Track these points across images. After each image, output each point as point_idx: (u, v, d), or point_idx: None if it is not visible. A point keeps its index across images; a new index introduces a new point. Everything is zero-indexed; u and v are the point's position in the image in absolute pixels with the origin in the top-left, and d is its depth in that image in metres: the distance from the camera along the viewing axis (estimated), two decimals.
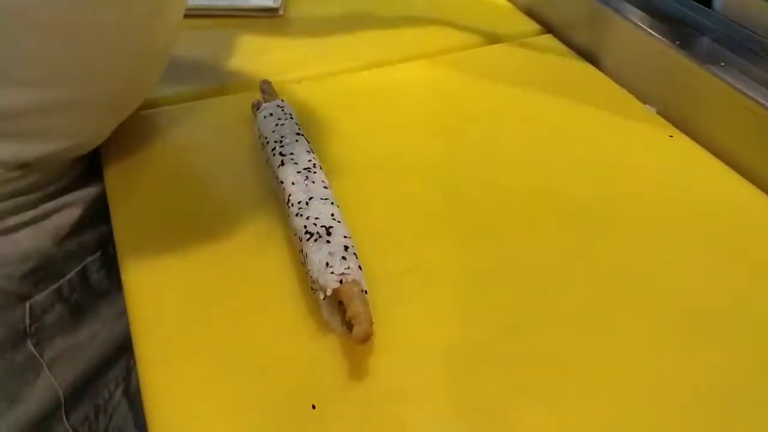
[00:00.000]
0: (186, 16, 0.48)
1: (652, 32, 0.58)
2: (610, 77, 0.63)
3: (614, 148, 0.54)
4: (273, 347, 0.38)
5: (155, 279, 0.42)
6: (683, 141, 0.55)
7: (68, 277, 0.50)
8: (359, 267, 0.38)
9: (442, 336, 0.39)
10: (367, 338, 0.35)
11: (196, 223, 0.46)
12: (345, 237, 0.40)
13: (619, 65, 0.63)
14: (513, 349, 0.38)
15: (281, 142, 0.47)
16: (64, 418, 0.51)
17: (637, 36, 0.60)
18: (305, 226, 0.41)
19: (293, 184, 0.44)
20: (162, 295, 0.41)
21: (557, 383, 0.36)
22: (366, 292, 0.38)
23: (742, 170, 0.51)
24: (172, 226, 0.46)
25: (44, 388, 0.49)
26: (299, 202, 0.43)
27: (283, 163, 0.46)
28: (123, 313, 0.53)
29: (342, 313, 0.37)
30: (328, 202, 0.43)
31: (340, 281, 0.37)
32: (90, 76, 0.40)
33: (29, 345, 0.48)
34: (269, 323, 0.39)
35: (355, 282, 0.37)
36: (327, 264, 0.38)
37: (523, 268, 0.43)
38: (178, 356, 0.38)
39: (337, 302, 0.38)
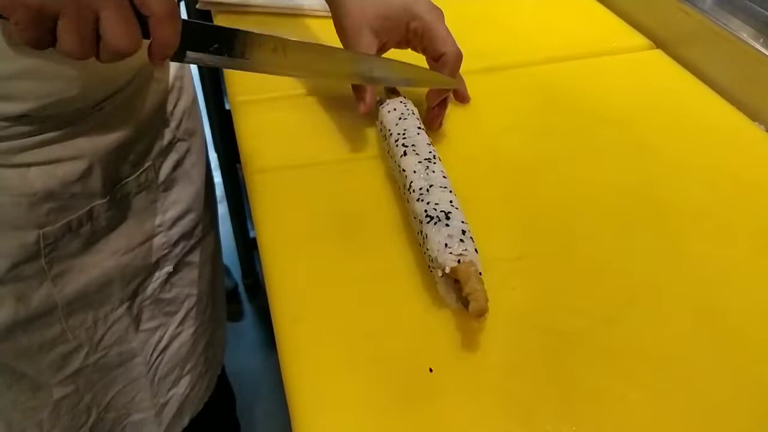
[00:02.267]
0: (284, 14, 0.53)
1: (765, 51, 0.59)
2: (719, 94, 0.63)
3: (719, 161, 0.55)
4: (392, 315, 0.42)
5: (294, 255, 0.47)
6: None
7: (77, 215, 0.56)
8: (475, 250, 0.42)
9: (546, 320, 0.42)
10: (482, 314, 0.38)
11: (326, 209, 0.51)
12: (462, 222, 0.43)
13: (728, 82, 0.63)
14: (613, 339, 0.41)
15: (404, 134, 0.52)
16: (63, 319, 0.58)
17: (748, 54, 0.61)
18: (425, 210, 0.44)
19: (414, 172, 0.48)
20: (297, 265, 0.46)
21: (656, 373, 0.39)
22: (480, 273, 0.41)
23: None
24: (306, 211, 0.51)
25: (45, 294, 0.56)
26: (420, 189, 0.46)
27: (405, 154, 0.50)
28: (128, 250, 0.61)
29: (457, 291, 0.41)
30: (447, 190, 0.46)
31: (458, 261, 0.40)
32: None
33: (42, 262, 0.55)
34: (389, 294, 0.43)
35: (471, 263, 0.41)
36: (446, 245, 0.41)
37: (624, 265, 0.46)
38: (313, 315, 0.42)
39: (453, 280, 0.41)
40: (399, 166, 0.50)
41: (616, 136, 0.58)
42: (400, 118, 0.54)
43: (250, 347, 1.49)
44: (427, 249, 0.43)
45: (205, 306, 0.74)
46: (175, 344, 0.70)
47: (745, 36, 0.62)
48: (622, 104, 0.62)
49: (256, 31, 0.48)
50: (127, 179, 0.59)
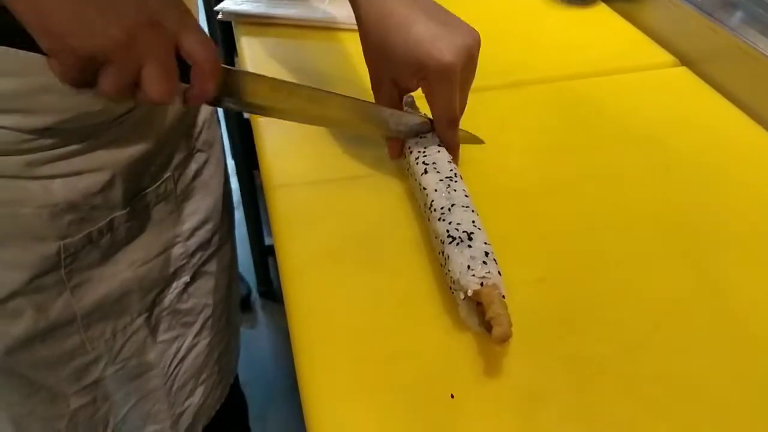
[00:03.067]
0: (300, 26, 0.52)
1: None
2: (747, 113, 0.62)
3: (748, 184, 0.54)
4: (413, 337, 0.41)
5: (313, 273, 0.47)
6: None
7: (97, 226, 0.56)
8: (499, 272, 0.41)
9: (571, 346, 0.41)
10: (505, 339, 0.37)
11: (346, 226, 0.51)
12: (485, 243, 0.43)
13: (756, 102, 0.62)
14: (639, 367, 0.40)
15: (424, 152, 0.51)
16: (81, 330, 0.58)
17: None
18: (447, 230, 0.44)
19: (436, 191, 0.47)
20: (316, 283, 0.46)
21: (683, 404, 0.38)
22: (504, 296, 0.40)
23: None
24: (326, 228, 0.51)
25: (64, 305, 0.56)
26: (442, 208, 0.46)
27: (426, 172, 0.49)
28: (146, 261, 0.61)
29: (480, 314, 0.40)
30: (469, 209, 0.46)
31: (481, 284, 0.40)
32: None
33: (62, 273, 0.54)
34: (409, 316, 0.43)
35: (495, 286, 0.40)
36: (468, 267, 0.41)
37: (651, 290, 0.45)
38: (333, 336, 0.42)
39: (476, 303, 0.40)
40: (420, 185, 0.49)
41: (642, 156, 0.57)
42: (420, 135, 0.53)
43: (263, 355, 1.49)
44: (449, 270, 0.42)
45: (220, 315, 0.74)
46: (192, 354, 0.70)
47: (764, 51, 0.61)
48: (648, 122, 0.61)
49: (285, 73, 0.48)
50: (147, 190, 0.59)
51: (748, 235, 0.49)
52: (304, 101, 0.50)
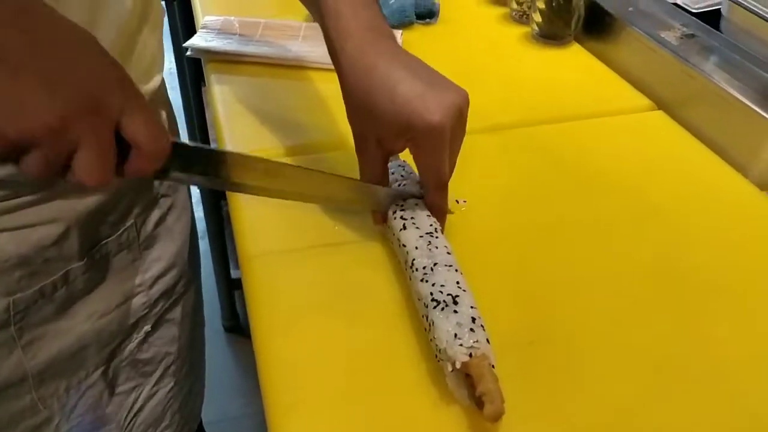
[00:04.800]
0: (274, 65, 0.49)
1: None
2: (724, 159, 0.62)
3: (731, 232, 0.53)
4: (397, 409, 0.39)
5: (286, 331, 0.44)
6: None
7: (51, 279, 0.52)
8: (487, 340, 0.39)
9: (567, 415, 0.39)
10: (498, 417, 0.35)
11: (323, 289, 0.48)
12: (472, 307, 0.41)
13: (733, 148, 0.62)
14: None
15: (402, 206, 0.49)
16: (33, 389, 0.54)
17: (751, 118, 0.59)
18: (431, 293, 0.42)
19: (416, 248, 0.45)
20: (292, 351, 0.43)
21: None
22: (494, 366, 0.38)
23: None
24: (302, 294, 0.48)
25: (14, 363, 0.52)
26: (424, 267, 0.44)
27: (405, 227, 0.47)
28: (106, 313, 0.57)
29: (469, 386, 0.38)
30: (453, 269, 0.44)
31: (470, 355, 0.37)
32: None
33: (11, 330, 0.51)
34: (392, 385, 0.40)
35: (484, 356, 0.38)
36: (455, 335, 0.38)
37: (645, 349, 0.43)
38: (309, 404, 0.39)
39: (464, 374, 0.38)
40: (399, 241, 0.47)
41: (625, 203, 0.56)
42: (399, 184, 0.51)
43: (229, 393, 1.43)
44: (434, 337, 0.40)
45: (183, 362, 0.70)
46: (151, 404, 0.66)
47: (747, 101, 0.61)
48: (629, 168, 0.60)
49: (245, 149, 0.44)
50: (107, 240, 0.56)
51: (737, 288, 0.48)
52: (262, 176, 0.45)
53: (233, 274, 1.50)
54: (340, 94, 0.49)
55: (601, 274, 0.49)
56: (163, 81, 0.60)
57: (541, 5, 0.79)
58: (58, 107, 0.33)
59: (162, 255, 0.64)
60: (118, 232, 0.56)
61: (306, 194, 0.48)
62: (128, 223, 0.57)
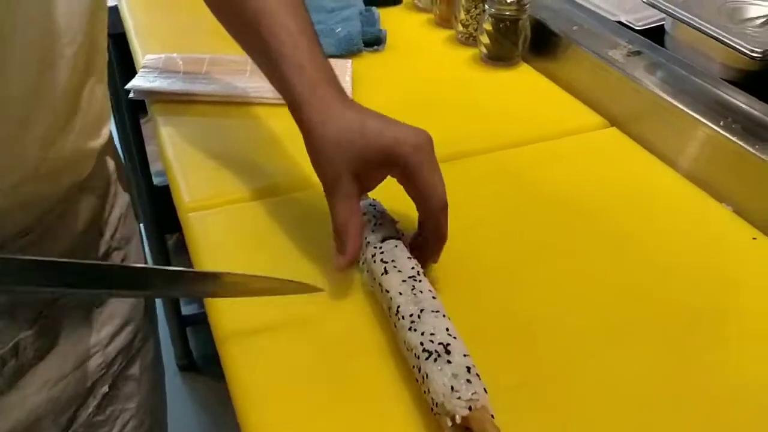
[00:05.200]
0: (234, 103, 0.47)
1: (729, 135, 0.59)
2: (679, 172, 0.63)
3: (696, 251, 0.54)
4: None
5: (270, 392, 0.41)
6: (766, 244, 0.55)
7: (0, 353, 0.49)
8: (485, 390, 0.38)
9: None
10: None
11: (307, 349, 0.46)
12: (465, 356, 0.39)
13: (687, 161, 0.63)
14: None
15: (381, 248, 0.47)
16: None
17: (698, 130, 0.61)
18: (422, 343, 0.40)
19: (400, 294, 0.44)
20: (277, 402, 0.41)
21: None
22: (493, 416, 0.37)
23: None
24: (274, 336, 0.46)
25: None
26: (410, 315, 0.42)
27: (386, 271, 0.45)
28: (60, 379, 0.54)
29: None
30: (440, 314, 0.42)
31: (469, 408, 0.36)
32: None
33: None
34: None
35: (484, 408, 0.37)
36: (452, 388, 0.37)
37: (630, 380, 0.43)
38: None
39: (464, 428, 0.37)
40: (381, 286, 0.45)
41: (594, 227, 0.56)
42: (375, 224, 0.49)
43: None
44: (429, 390, 0.38)
45: (144, 415, 0.67)
46: None
47: (695, 114, 0.62)
48: (592, 190, 0.61)
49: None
50: (57, 302, 0.52)
51: (712, 311, 0.49)
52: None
53: (184, 310, 1.45)
54: (295, 130, 0.47)
55: (579, 302, 0.49)
56: (110, 132, 0.57)
57: (489, 27, 0.79)
58: None
59: (116, 311, 0.60)
60: None
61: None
62: None
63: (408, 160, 0.45)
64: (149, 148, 1.27)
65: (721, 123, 0.60)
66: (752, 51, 0.59)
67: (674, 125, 0.64)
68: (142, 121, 1.25)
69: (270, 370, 0.43)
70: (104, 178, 0.59)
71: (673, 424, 0.41)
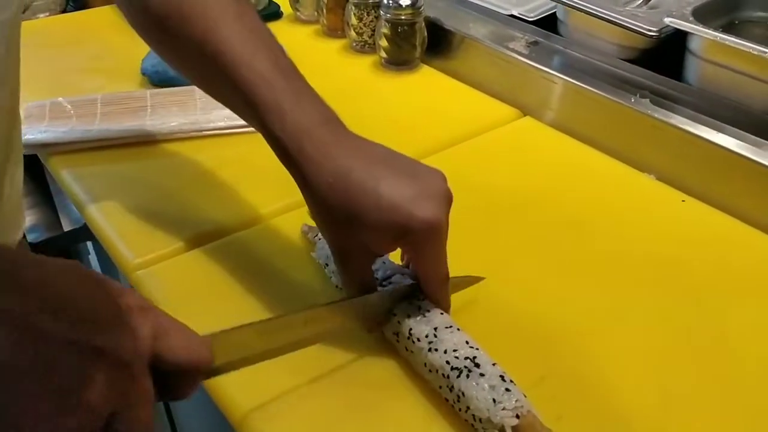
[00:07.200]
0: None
1: (642, 110, 0.63)
2: (599, 150, 0.67)
3: (632, 219, 0.58)
4: None
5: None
6: (695, 204, 0.60)
7: None
8: (524, 395, 0.38)
9: None
10: None
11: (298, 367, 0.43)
12: (493, 365, 0.39)
13: (606, 139, 0.67)
14: None
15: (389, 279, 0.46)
16: None
17: (622, 112, 0.65)
18: (448, 362, 0.39)
19: (409, 316, 0.42)
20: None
21: None
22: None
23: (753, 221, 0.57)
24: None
25: None
26: (426, 336, 0.41)
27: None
28: None
29: None
30: (455, 328, 0.42)
31: (517, 416, 0.36)
32: None
33: None
34: None
35: (531, 414, 0.37)
36: (494, 400, 0.37)
37: (647, 370, 0.45)
38: None
39: None
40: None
41: (546, 217, 0.58)
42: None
43: None
44: (469, 408, 0.38)
45: None
46: None
47: (603, 93, 0.66)
48: (530, 180, 0.63)
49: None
50: None
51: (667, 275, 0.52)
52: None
53: None
54: (221, 161, 0.43)
55: (552, 290, 0.51)
56: None
57: (387, 32, 0.79)
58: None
59: None
60: None
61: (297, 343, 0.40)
62: None
63: (418, 240, 0.41)
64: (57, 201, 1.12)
65: (632, 99, 0.64)
66: (649, 30, 0.64)
67: (587, 107, 0.68)
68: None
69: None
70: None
71: (693, 413, 0.42)
